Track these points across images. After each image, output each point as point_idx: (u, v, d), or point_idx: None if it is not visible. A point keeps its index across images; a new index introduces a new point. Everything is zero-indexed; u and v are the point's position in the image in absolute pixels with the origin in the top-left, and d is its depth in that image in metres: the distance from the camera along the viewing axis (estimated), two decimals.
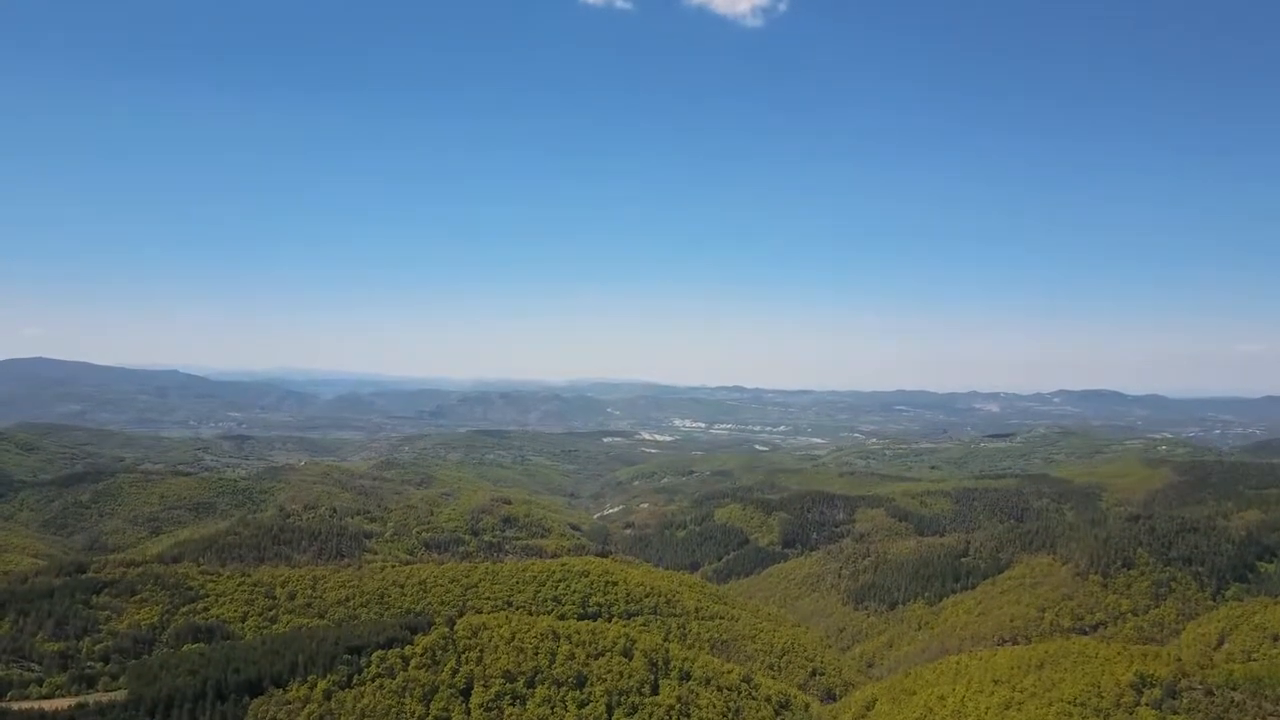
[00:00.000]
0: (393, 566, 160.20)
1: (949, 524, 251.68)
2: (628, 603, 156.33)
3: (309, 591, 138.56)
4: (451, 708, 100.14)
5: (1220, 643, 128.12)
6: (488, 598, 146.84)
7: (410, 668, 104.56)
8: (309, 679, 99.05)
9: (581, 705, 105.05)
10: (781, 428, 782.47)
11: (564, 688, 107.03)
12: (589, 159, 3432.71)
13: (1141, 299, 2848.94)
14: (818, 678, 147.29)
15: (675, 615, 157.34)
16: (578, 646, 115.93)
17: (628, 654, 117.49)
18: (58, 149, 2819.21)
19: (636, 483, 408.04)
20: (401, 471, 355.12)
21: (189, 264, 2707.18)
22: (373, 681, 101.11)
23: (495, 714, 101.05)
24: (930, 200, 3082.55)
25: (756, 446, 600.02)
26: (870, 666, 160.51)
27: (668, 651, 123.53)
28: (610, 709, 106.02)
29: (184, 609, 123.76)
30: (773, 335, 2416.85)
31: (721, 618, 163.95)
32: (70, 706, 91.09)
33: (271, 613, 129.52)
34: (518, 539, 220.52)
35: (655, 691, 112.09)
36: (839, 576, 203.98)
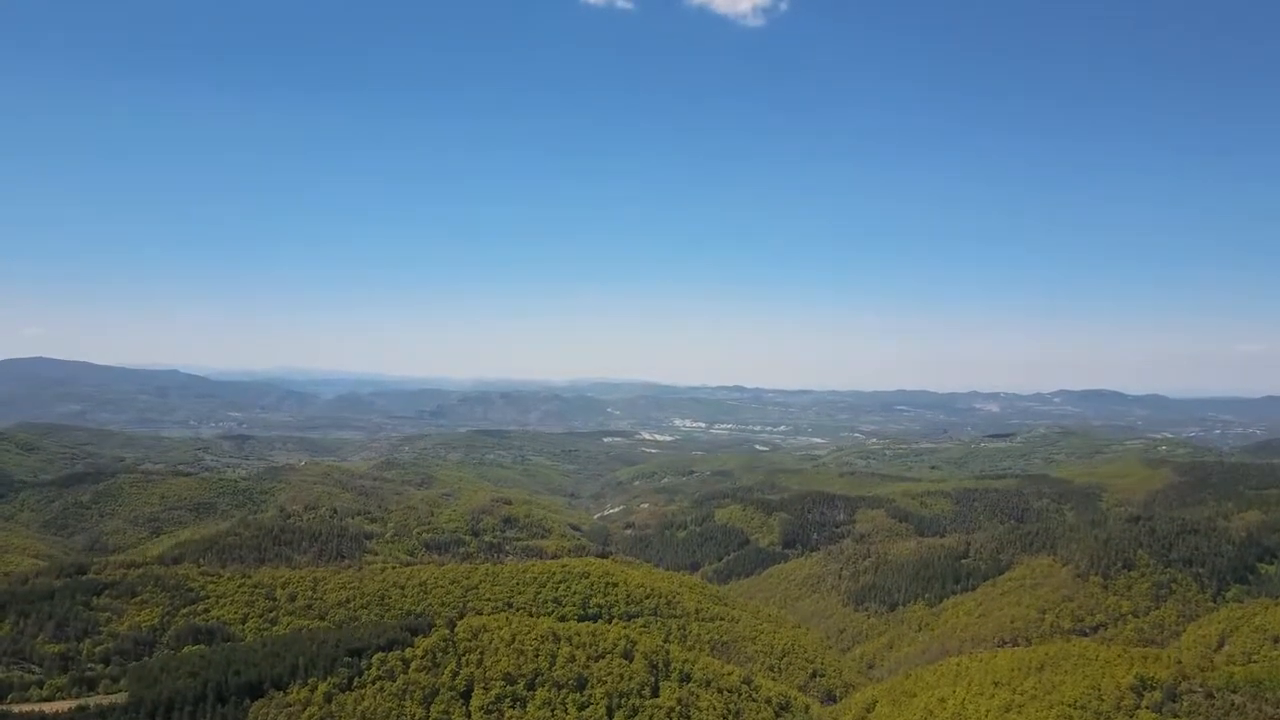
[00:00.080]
0: (393, 568, 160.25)
1: (949, 525, 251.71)
2: (628, 604, 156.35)
3: (309, 593, 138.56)
4: (452, 710, 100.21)
5: (1221, 644, 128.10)
6: (488, 599, 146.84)
7: (411, 670, 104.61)
8: (309, 681, 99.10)
9: (582, 708, 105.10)
10: (782, 428, 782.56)
11: (564, 690, 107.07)
12: (589, 159, 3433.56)
13: (1141, 299, 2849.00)
14: (818, 679, 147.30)
15: (676, 616, 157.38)
16: (578, 648, 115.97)
17: (628, 656, 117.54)
18: (58, 149, 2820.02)
19: (637, 483, 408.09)
20: (402, 472, 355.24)
21: (189, 264, 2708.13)
22: (373, 684, 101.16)
23: (496, 716, 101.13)
24: (930, 200, 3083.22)
25: (757, 446, 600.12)
26: (870, 668, 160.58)
27: (668, 653, 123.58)
28: (611, 711, 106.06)
29: (184, 610, 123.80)
30: (773, 335, 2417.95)
31: (722, 619, 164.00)
32: (71, 709, 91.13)
33: (272, 614, 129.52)
34: (518, 540, 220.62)
35: (656, 694, 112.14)
36: (839, 577, 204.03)
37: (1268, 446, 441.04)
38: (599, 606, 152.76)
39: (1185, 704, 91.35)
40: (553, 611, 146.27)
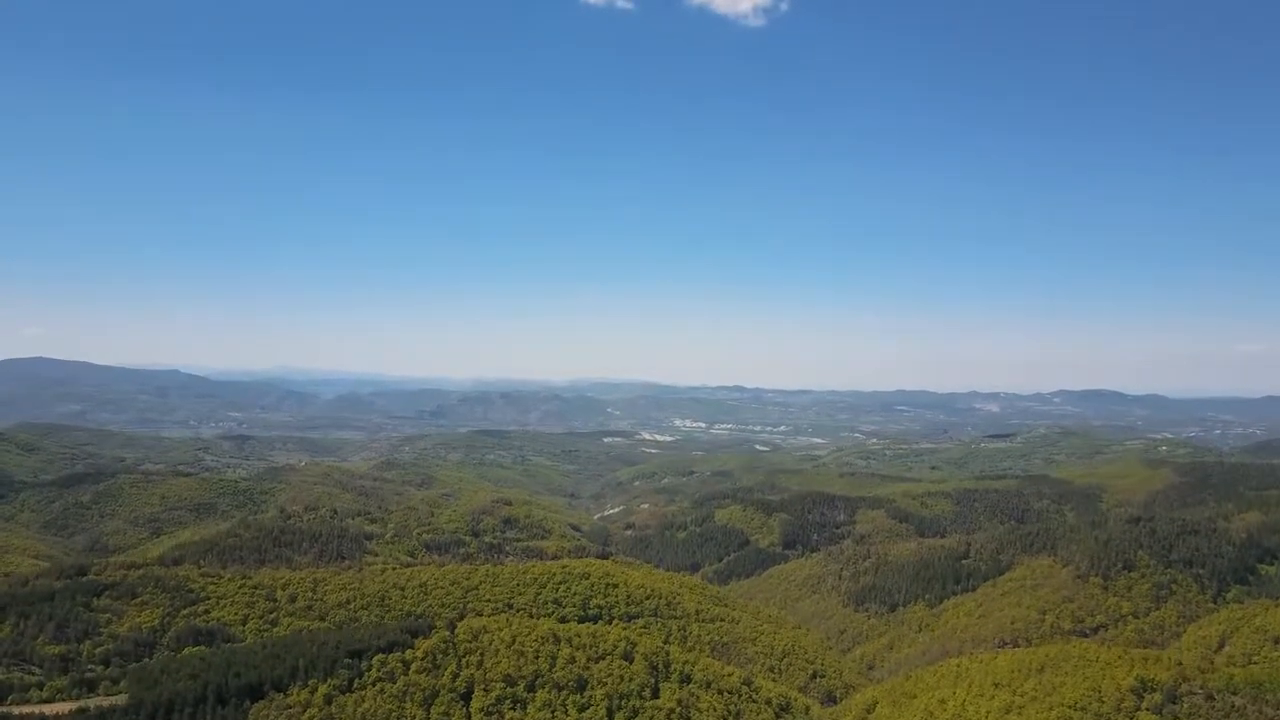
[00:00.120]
0: (393, 569, 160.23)
1: (949, 525, 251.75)
2: (628, 605, 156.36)
3: (310, 594, 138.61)
4: (452, 712, 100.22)
5: (1221, 645, 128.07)
6: (488, 600, 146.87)
7: (411, 672, 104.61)
8: (309, 683, 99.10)
9: (582, 709, 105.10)
10: (782, 428, 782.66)
11: (565, 691, 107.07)
12: (589, 159, 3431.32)
13: (1141, 299, 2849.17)
14: (818, 680, 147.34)
15: (676, 618, 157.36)
16: (578, 650, 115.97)
17: (628, 657, 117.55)
18: (58, 149, 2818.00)
19: (637, 483, 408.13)
20: (402, 472, 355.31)
21: (189, 264, 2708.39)
22: (373, 685, 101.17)
23: (496, 718, 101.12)
24: (930, 200, 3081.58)
25: (757, 446, 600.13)
26: (871, 669, 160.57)
27: (668, 654, 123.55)
28: (611, 713, 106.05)
29: (185, 612, 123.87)
30: (773, 335, 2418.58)
31: (722, 620, 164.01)
32: (71, 711, 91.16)
33: (272, 615, 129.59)
34: (518, 540, 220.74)
35: (656, 695, 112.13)
36: (839, 578, 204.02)
37: (1268, 446, 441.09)
38: (599, 608, 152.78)
39: (1185, 706, 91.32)
40: (553, 613, 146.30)
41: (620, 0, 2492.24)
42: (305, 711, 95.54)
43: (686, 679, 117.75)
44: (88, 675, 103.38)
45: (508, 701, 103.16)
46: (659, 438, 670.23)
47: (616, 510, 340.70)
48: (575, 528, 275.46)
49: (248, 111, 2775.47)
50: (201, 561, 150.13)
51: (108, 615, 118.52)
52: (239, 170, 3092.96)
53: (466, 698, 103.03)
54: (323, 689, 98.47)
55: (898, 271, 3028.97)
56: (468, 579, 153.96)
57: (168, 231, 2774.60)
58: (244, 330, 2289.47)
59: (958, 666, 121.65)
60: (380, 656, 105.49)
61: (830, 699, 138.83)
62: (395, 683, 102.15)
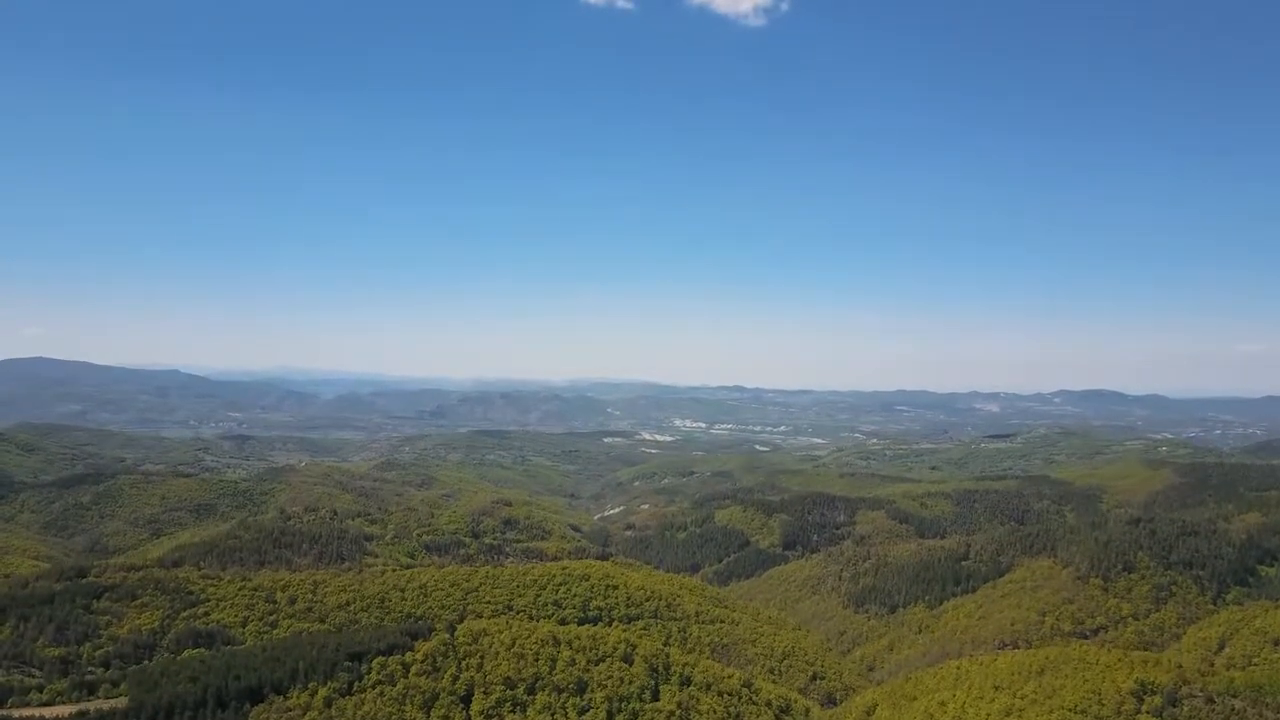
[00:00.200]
0: (393, 570, 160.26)
1: (949, 526, 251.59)
2: (628, 606, 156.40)
3: (310, 596, 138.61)
4: (452, 715, 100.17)
5: (1221, 647, 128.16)
6: (488, 602, 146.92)
7: (411, 674, 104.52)
8: (310, 686, 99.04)
9: (582, 712, 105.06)
10: (782, 428, 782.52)
11: (565, 694, 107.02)
12: (589, 159, 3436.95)
13: (1141, 299, 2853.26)
14: (818, 682, 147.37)
15: (676, 619, 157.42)
16: (578, 652, 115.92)
17: (628, 659, 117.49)
18: (58, 149, 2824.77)
19: (637, 483, 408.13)
20: (402, 472, 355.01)
21: (189, 264, 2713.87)
22: (373, 688, 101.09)
23: None
24: (930, 200, 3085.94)
25: (757, 447, 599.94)
26: (871, 670, 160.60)
27: (668, 656, 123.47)
28: (611, 715, 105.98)
29: (185, 614, 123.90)
30: (773, 335, 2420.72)
31: (722, 621, 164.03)
32: (71, 714, 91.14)
33: (272, 617, 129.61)
34: (518, 541, 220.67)
35: (656, 697, 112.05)
36: (839, 579, 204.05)
37: (1268, 447, 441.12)
38: (599, 609, 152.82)
39: (1186, 709, 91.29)
40: (553, 614, 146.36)
41: (620, 0, 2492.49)
42: (305, 715, 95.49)
43: (687, 681, 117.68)
44: (88, 678, 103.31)
45: (508, 704, 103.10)
46: (659, 438, 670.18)
47: (616, 511, 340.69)
48: (575, 528, 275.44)
49: (248, 111, 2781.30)
50: (201, 563, 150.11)
51: (108, 617, 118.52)
52: (239, 170, 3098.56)
53: (466, 700, 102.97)
54: (323, 692, 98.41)
55: (898, 272, 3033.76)
56: (468, 581, 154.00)
57: (168, 231, 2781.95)
58: (244, 330, 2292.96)
59: (958, 668, 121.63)
60: (380, 659, 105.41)
61: (830, 701, 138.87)
62: (395, 686, 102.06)
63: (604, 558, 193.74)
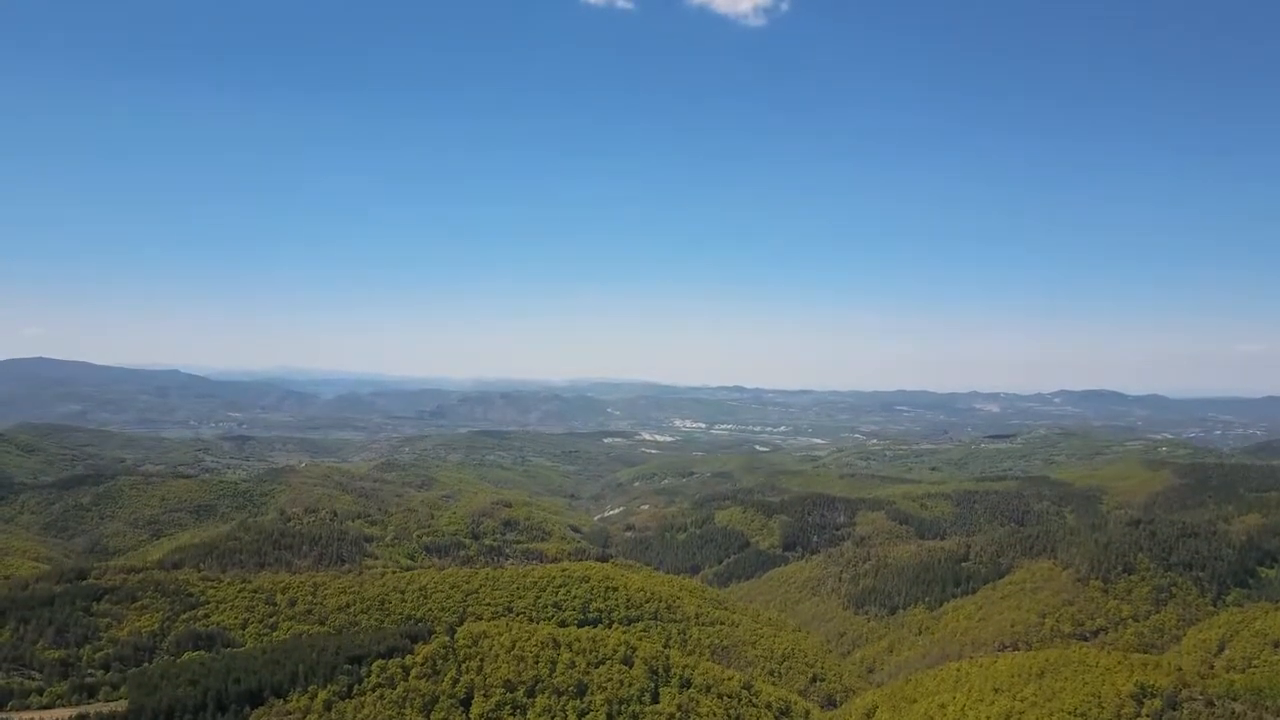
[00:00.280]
0: (393, 572, 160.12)
1: (949, 527, 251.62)
2: (628, 608, 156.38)
3: (309, 598, 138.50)
4: (452, 718, 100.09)
5: (1221, 649, 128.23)
6: (488, 604, 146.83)
7: (411, 677, 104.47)
8: (309, 689, 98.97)
9: (582, 715, 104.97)
10: (782, 428, 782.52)
11: (564, 697, 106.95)
12: (589, 159, 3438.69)
13: (1141, 299, 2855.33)
14: (818, 684, 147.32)
15: (675, 621, 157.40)
16: (578, 654, 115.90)
17: (628, 662, 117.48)
18: (58, 149, 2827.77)
19: (637, 484, 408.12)
20: (402, 473, 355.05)
21: (189, 264, 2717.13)
22: (373, 691, 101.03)
23: None
24: (930, 200, 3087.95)
25: (757, 447, 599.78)
26: (871, 672, 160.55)
27: (668, 658, 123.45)
28: (611, 718, 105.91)
29: (184, 616, 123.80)
30: (773, 335, 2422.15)
31: (722, 623, 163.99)
32: (71, 717, 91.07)
33: (272, 619, 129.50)
34: (518, 542, 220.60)
35: (656, 700, 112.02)
36: (839, 580, 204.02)
37: (1268, 447, 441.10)
38: (599, 611, 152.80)
39: (1185, 712, 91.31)
40: (553, 616, 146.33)
41: (620, 0, 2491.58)
42: (305, 718, 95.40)
43: (686, 683, 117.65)
44: (88, 680, 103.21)
45: (508, 707, 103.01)
46: (659, 438, 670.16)
47: (616, 511, 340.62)
48: (575, 529, 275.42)
49: (248, 111, 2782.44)
50: (201, 565, 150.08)
51: (107, 620, 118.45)
52: (239, 170, 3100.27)
53: (466, 703, 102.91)
54: (323, 695, 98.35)
55: (897, 272, 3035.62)
56: (467, 582, 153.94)
57: (168, 231, 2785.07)
58: (244, 330, 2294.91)
59: (958, 670, 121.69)
60: (380, 662, 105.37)
61: (830, 703, 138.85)
62: (395, 689, 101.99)
63: (604, 559, 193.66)
